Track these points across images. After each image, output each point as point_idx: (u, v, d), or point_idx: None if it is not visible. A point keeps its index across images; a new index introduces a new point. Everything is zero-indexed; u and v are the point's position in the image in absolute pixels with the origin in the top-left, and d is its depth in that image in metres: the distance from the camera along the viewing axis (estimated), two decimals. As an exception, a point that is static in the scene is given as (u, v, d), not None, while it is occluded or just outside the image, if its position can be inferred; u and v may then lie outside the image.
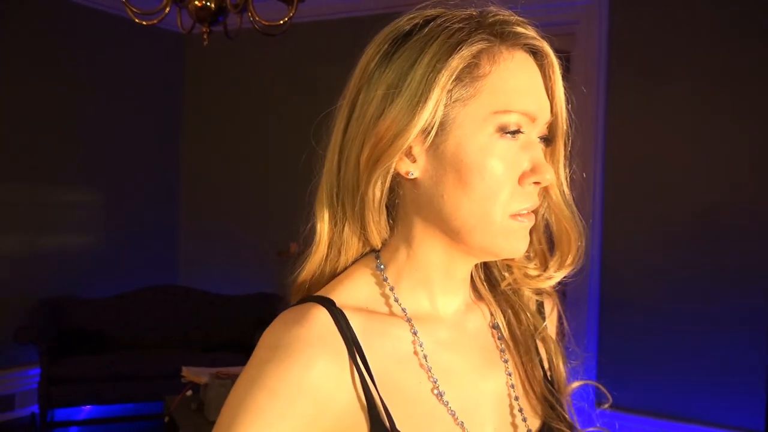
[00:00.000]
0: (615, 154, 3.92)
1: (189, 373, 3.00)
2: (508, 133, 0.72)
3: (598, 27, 3.93)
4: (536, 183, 0.74)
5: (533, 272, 0.82)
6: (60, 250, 4.72)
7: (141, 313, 4.74)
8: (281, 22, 2.47)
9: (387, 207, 0.79)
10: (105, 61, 4.90)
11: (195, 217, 5.48)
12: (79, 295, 4.65)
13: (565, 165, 0.80)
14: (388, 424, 0.71)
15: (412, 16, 0.75)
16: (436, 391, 0.76)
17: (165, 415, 3.03)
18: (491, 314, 0.85)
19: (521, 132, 0.73)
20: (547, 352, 0.86)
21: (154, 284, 4.95)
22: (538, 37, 0.75)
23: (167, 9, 2.41)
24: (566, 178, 0.81)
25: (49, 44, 4.55)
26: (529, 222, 0.76)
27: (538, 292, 0.88)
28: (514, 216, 0.74)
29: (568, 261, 0.81)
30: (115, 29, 4.73)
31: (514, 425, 0.81)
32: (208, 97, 5.40)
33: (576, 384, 0.89)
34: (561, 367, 0.85)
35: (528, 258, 0.83)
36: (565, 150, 0.80)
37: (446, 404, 0.76)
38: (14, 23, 4.38)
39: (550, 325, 0.90)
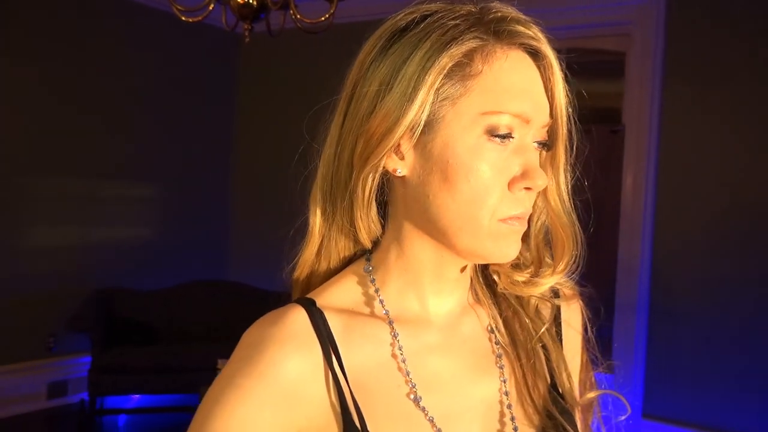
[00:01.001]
0: (668, 158, 3.81)
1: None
2: (497, 136, 0.70)
3: (654, 27, 3.83)
4: (527, 189, 0.72)
5: (519, 278, 0.79)
6: (114, 242, 4.85)
7: (189, 306, 4.84)
8: (322, 19, 2.47)
9: (379, 205, 0.78)
10: (161, 58, 5.01)
11: (245, 212, 5.56)
12: (131, 286, 4.78)
13: (566, 171, 0.78)
14: (359, 425, 0.70)
15: (410, 11, 0.74)
16: (412, 396, 0.74)
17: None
18: (489, 317, 0.82)
19: (512, 137, 0.70)
20: (554, 360, 0.82)
21: (204, 278, 5.05)
22: (537, 37, 0.72)
23: (211, 6, 2.45)
24: (567, 185, 0.78)
25: (106, 42, 4.69)
26: (520, 227, 0.73)
27: (555, 296, 0.85)
28: (504, 220, 0.71)
29: (560, 268, 0.78)
30: (171, 26, 4.84)
31: None
32: (262, 95, 5.47)
33: (592, 394, 0.85)
34: (564, 376, 0.81)
35: (517, 265, 0.80)
36: (566, 155, 0.77)
37: (423, 410, 0.74)
38: (73, 22, 4.52)
39: (573, 332, 0.86)
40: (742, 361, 3.56)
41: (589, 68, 4.36)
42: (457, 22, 0.70)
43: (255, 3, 2.39)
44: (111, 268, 4.79)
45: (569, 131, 0.76)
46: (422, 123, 0.70)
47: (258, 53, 5.12)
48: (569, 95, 0.76)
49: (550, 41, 0.73)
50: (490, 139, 0.70)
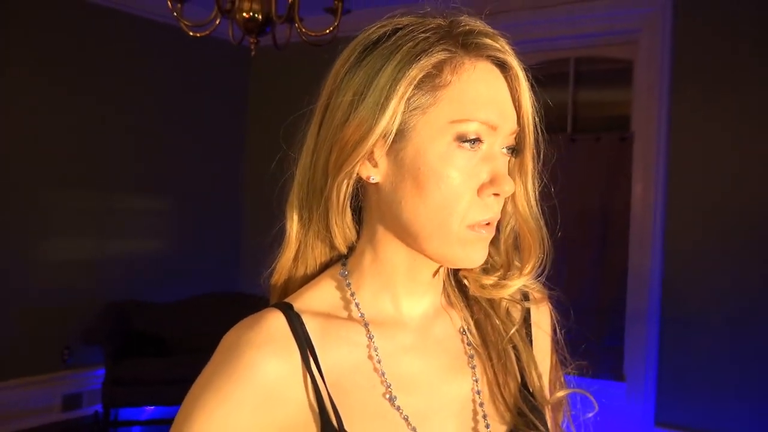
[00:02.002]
0: (678, 165, 3.80)
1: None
2: (467, 142, 0.72)
3: (661, 35, 3.83)
4: (495, 195, 0.74)
5: (488, 281, 0.82)
6: (127, 255, 4.90)
7: (202, 318, 4.87)
8: (327, 31, 2.51)
9: (354, 211, 0.81)
10: (173, 73, 5.08)
11: (257, 225, 5.59)
12: (144, 299, 4.82)
13: (534, 177, 0.80)
14: (336, 425, 0.72)
15: (383, 23, 0.77)
16: (388, 396, 0.77)
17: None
18: (462, 319, 0.85)
19: (480, 141, 0.73)
20: (524, 360, 0.85)
21: (216, 291, 5.09)
22: (503, 49, 0.75)
23: (217, 21, 2.49)
24: (534, 191, 0.81)
25: (120, 55, 4.75)
26: (487, 233, 0.76)
27: (525, 299, 0.87)
28: (472, 227, 0.74)
29: (526, 270, 0.81)
30: (182, 42, 4.89)
31: (475, 430, 0.80)
32: (274, 108, 5.52)
33: (561, 393, 0.88)
34: (534, 375, 0.83)
35: (486, 269, 0.83)
36: (533, 162, 0.80)
37: (398, 409, 0.76)
38: (90, 40, 4.59)
39: (542, 333, 0.89)
40: (755, 368, 3.53)
41: (597, 76, 4.37)
42: (428, 35, 0.73)
43: (260, 17, 2.43)
44: (125, 281, 4.84)
45: (536, 139, 0.79)
46: (393, 131, 0.73)
47: (267, 66, 5.17)
48: (536, 105, 0.78)
49: (517, 54, 0.76)
50: (460, 146, 0.72)
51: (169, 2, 2.39)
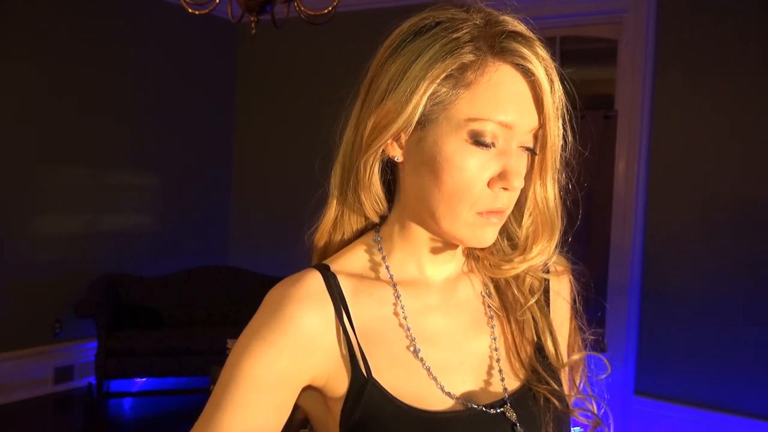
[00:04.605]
0: (660, 143, 3.90)
1: (233, 344, 3.12)
2: (479, 143, 0.79)
3: (646, 15, 3.90)
4: (504, 188, 0.81)
5: (494, 261, 0.90)
6: (118, 229, 4.94)
7: (193, 291, 4.94)
8: (326, 11, 2.55)
9: (389, 184, 0.89)
10: (163, 48, 5.08)
11: (246, 200, 5.64)
12: (135, 273, 4.87)
13: (554, 175, 0.85)
14: (365, 371, 0.82)
15: (424, 16, 0.83)
16: (412, 348, 0.85)
17: (211, 388, 3.17)
18: (482, 285, 0.94)
19: (494, 145, 0.79)
20: (540, 326, 0.93)
21: (206, 264, 5.15)
22: (526, 56, 0.79)
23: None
24: (554, 188, 0.86)
25: (109, 34, 4.75)
26: (497, 220, 0.83)
27: (545, 270, 0.95)
28: (481, 213, 0.81)
29: (530, 255, 0.87)
30: (172, 17, 4.90)
31: (490, 383, 0.88)
32: (261, 84, 5.54)
33: (577, 356, 0.96)
34: (549, 341, 0.92)
35: (493, 252, 0.91)
36: (553, 160, 0.84)
37: (421, 360, 0.85)
38: (76, 16, 4.57)
39: (562, 301, 0.97)
40: (731, 340, 3.67)
41: (582, 55, 4.45)
42: (460, 34, 0.79)
43: (262, -4, 2.46)
44: (115, 255, 4.88)
45: (565, 139, 0.86)
46: (415, 121, 0.80)
47: (256, 41, 5.17)
48: (567, 106, 0.84)
49: (543, 60, 0.80)
50: (472, 144, 0.79)
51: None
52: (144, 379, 4.62)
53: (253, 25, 2.56)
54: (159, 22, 4.99)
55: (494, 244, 0.90)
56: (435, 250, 0.89)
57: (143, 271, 4.90)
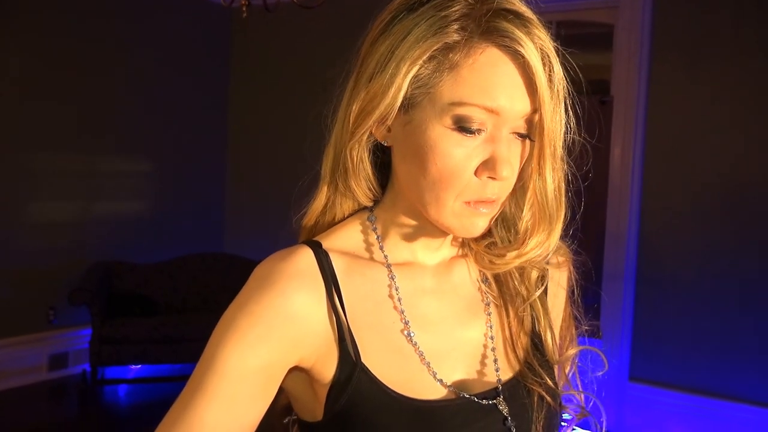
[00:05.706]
0: (655, 129, 3.88)
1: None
2: (463, 129, 0.74)
3: (642, 1, 3.88)
4: (491, 178, 0.75)
5: (487, 255, 0.85)
6: (113, 217, 4.91)
7: (188, 278, 4.92)
8: (319, -5, 2.52)
9: (382, 167, 0.86)
10: (156, 34, 5.04)
11: (240, 186, 5.62)
12: (130, 260, 4.84)
13: (552, 165, 0.78)
14: (354, 356, 0.78)
15: None
16: (406, 332, 0.82)
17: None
18: (479, 271, 0.90)
19: (481, 132, 0.74)
20: (540, 321, 0.89)
21: (201, 251, 5.13)
22: (518, 38, 0.73)
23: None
24: (553, 176, 0.79)
25: (102, 17, 4.70)
26: (487, 210, 0.78)
27: (546, 261, 0.90)
28: (468, 203, 0.77)
29: (526, 249, 0.81)
30: (165, 3, 4.86)
31: (483, 373, 0.85)
32: (255, 70, 5.50)
33: (572, 351, 0.93)
34: (548, 336, 0.88)
35: (491, 243, 0.86)
36: (552, 148, 0.77)
37: (415, 345, 0.81)
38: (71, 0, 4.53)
39: (559, 288, 0.93)
40: (725, 326, 3.67)
41: (578, 40, 4.41)
42: (449, 12, 0.73)
43: (252, -21, 2.43)
44: (110, 242, 4.85)
45: (566, 123, 0.79)
46: (397, 106, 0.76)
47: (249, 26, 5.14)
48: (568, 88, 0.78)
49: (539, 40, 0.74)
50: (456, 130, 0.74)
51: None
52: (139, 366, 4.61)
53: (244, 9, 2.53)
54: (152, 8, 4.94)
55: (491, 234, 0.86)
56: (427, 234, 0.85)
57: (138, 259, 4.88)
